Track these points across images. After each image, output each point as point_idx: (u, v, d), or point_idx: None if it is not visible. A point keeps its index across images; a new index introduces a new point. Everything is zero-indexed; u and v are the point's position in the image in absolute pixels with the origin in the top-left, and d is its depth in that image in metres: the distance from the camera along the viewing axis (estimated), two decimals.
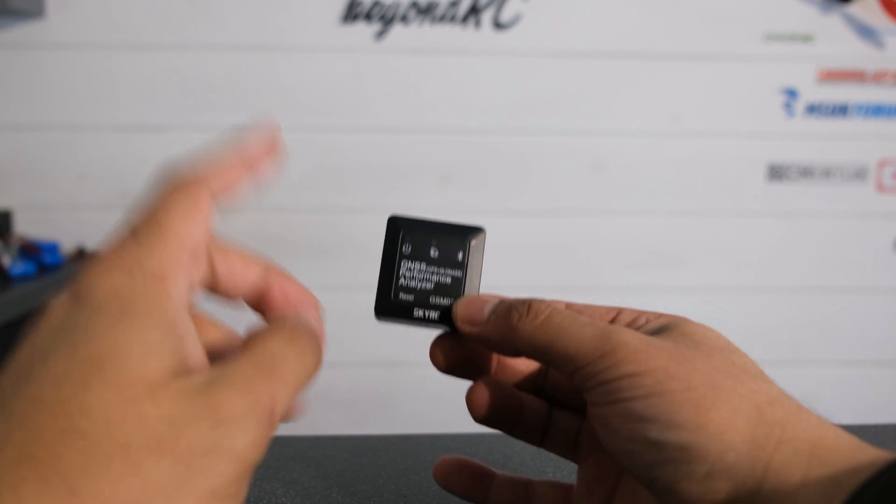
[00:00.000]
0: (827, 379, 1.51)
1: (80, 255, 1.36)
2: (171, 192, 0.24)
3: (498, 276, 1.43)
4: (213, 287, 0.27)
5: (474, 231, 0.33)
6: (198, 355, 0.22)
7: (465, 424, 0.47)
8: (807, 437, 0.25)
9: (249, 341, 0.23)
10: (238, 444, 0.20)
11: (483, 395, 0.32)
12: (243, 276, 0.27)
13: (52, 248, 1.26)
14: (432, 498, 0.40)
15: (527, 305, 0.29)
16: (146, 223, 0.23)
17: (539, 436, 0.33)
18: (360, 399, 1.45)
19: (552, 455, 0.35)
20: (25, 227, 1.37)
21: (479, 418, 0.32)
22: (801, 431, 0.25)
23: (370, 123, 1.41)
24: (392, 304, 0.32)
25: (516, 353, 0.30)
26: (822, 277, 1.49)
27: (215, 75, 1.38)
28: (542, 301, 0.29)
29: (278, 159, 0.28)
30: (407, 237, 0.32)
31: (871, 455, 0.24)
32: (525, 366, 0.34)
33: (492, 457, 0.46)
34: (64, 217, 1.39)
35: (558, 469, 0.43)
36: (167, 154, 1.54)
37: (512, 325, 0.29)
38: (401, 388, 1.45)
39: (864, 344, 1.51)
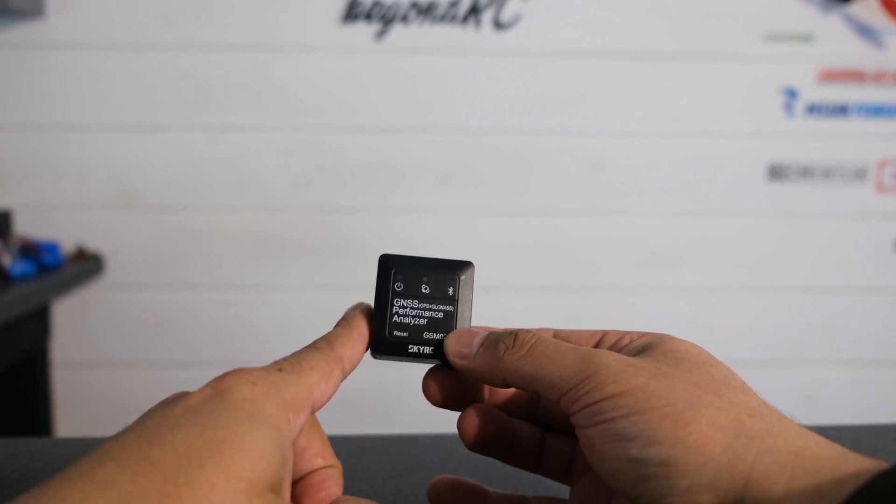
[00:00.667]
0: (827, 379, 1.51)
1: (80, 255, 1.36)
2: (317, 355, 0.29)
3: (498, 276, 1.43)
4: None
5: (463, 266, 0.34)
6: (287, 486, 0.25)
7: None
8: (788, 447, 0.25)
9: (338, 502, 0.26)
10: None
11: (473, 421, 0.32)
12: (311, 458, 0.29)
13: (52, 248, 1.26)
14: None
15: (513, 336, 0.30)
16: (292, 364, 0.28)
17: (533, 462, 0.34)
18: (360, 399, 1.46)
19: None
20: (25, 227, 1.37)
21: (470, 445, 0.32)
22: (782, 442, 0.25)
23: (370, 123, 1.41)
24: (387, 341, 0.33)
25: (505, 384, 0.31)
26: (822, 277, 1.49)
27: (215, 75, 1.38)
28: (527, 331, 0.30)
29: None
30: (398, 275, 0.33)
31: (854, 465, 0.24)
32: (517, 393, 0.35)
33: (490, 458, 0.46)
34: (64, 217, 1.39)
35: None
36: (167, 154, 1.55)
37: (499, 356, 0.30)
38: (401, 388, 1.45)
39: (864, 344, 1.51)
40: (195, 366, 1.42)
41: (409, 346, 0.33)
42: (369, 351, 0.33)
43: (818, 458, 0.24)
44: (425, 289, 0.33)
